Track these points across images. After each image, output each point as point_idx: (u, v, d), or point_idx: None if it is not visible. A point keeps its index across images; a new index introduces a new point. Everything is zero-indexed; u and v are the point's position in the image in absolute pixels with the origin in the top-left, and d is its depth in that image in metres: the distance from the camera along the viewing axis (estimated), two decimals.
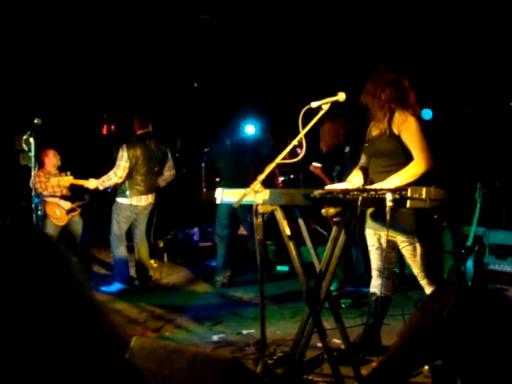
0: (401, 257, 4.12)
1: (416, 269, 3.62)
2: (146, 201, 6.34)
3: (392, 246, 3.70)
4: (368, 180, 3.82)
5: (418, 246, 3.54)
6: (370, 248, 3.91)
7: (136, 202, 6.27)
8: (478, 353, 1.16)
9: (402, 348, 1.27)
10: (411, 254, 3.58)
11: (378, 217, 3.65)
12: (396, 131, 3.60)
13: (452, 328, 1.17)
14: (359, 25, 6.56)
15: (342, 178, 5.82)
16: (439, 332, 1.20)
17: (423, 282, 3.65)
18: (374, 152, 3.73)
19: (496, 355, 1.16)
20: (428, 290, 3.64)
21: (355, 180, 3.86)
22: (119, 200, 6.29)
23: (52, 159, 6.94)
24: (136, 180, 6.23)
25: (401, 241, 3.58)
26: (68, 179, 6.20)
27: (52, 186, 6.68)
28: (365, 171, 3.92)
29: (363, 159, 3.98)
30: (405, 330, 1.28)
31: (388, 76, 3.68)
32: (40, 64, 7.53)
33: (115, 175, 6.14)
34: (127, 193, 6.21)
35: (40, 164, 6.94)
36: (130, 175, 6.19)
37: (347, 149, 5.79)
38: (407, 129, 3.57)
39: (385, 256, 3.70)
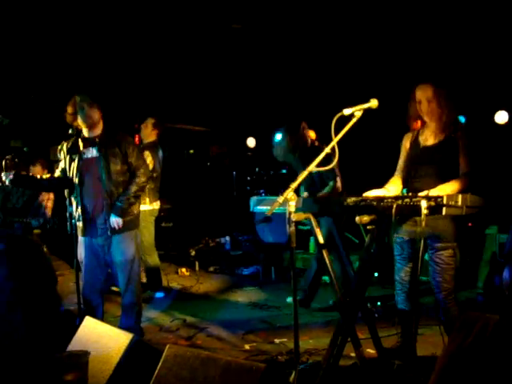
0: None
1: (446, 276, 3.49)
2: (157, 205, 6.44)
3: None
4: (412, 187, 3.73)
5: (457, 252, 3.46)
6: (396, 257, 3.83)
7: (154, 207, 6.37)
8: None
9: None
10: (444, 261, 3.47)
11: (415, 222, 3.57)
12: (457, 142, 3.54)
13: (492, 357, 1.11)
14: (388, 34, 6.53)
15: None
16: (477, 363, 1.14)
17: (442, 295, 3.51)
18: (430, 160, 3.62)
19: None
20: (444, 303, 3.51)
21: (392, 188, 3.78)
22: (142, 208, 6.32)
23: None
24: (157, 185, 6.35)
25: (440, 245, 3.48)
26: None
27: None
28: (403, 179, 3.85)
29: (402, 167, 3.90)
30: (440, 364, 1.23)
31: (442, 88, 3.62)
32: (71, 77, 7.66)
33: None
34: (147, 199, 6.23)
35: None
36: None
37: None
38: (467, 142, 3.52)
39: (415, 265, 3.63)
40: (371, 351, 3.87)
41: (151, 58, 7.45)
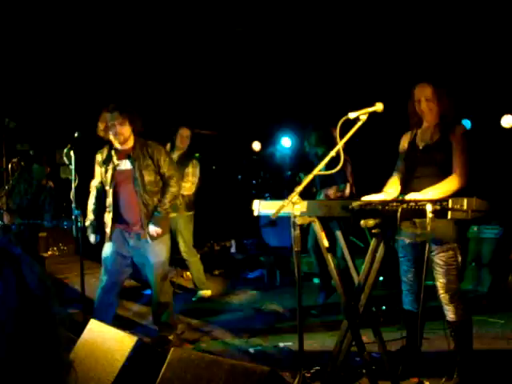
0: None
1: (450, 277, 3.47)
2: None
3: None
4: (411, 188, 3.70)
5: (458, 253, 3.46)
6: (400, 260, 3.82)
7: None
8: None
9: None
10: (447, 262, 3.45)
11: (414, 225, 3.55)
12: (451, 141, 3.55)
13: None
14: (393, 38, 6.55)
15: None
16: None
17: (447, 296, 3.49)
18: (429, 161, 3.63)
19: None
20: (449, 304, 3.49)
21: (391, 190, 3.77)
22: (192, 213, 6.70)
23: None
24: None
25: (441, 247, 3.48)
26: None
27: None
28: (401, 180, 3.83)
29: (401, 168, 3.90)
30: None
31: (442, 87, 3.62)
32: (78, 79, 7.69)
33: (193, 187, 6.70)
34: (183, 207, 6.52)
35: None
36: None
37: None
38: (461, 143, 3.52)
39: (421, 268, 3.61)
40: (376, 355, 3.86)
41: (158, 62, 7.48)
